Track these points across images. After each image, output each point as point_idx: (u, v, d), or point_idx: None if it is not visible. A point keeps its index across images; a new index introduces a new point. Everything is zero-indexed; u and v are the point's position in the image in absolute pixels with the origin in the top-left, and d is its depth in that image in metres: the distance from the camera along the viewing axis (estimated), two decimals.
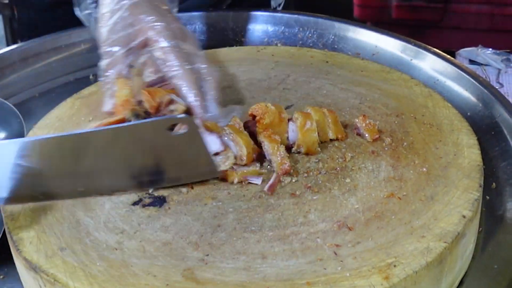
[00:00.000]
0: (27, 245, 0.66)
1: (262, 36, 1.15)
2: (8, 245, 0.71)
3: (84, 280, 0.62)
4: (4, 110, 0.87)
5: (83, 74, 1.10)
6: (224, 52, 1.02)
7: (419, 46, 1.02)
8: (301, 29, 1.13)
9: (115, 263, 0.64)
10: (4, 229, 0.72)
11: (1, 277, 0.74)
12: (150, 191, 0.72)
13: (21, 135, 0.84)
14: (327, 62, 0.97)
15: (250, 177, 0.73)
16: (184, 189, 0.72)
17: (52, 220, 0.69)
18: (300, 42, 1.12)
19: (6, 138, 0.87)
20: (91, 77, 1.09)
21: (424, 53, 1.01)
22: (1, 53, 1.07)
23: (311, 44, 1.11)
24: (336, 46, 1.10)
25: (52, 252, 0.65)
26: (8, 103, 0.87)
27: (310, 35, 1.12)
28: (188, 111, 0.76)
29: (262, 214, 0.69)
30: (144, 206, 0.71)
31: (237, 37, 1.16)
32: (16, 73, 1.07)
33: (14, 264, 0.71)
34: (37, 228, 0.68)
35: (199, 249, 0.65)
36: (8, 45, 1.68)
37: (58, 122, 0.84)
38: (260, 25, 1.15)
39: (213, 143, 0.73)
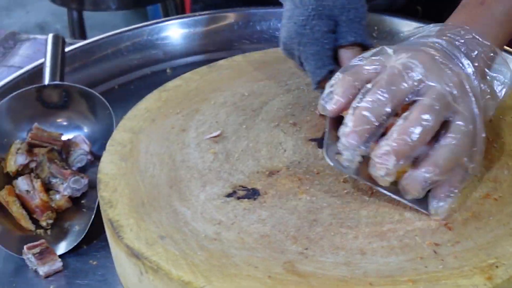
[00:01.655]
0: (128, 232, 0.67)
1: None
2: (100, 232, 0.73)
3: (187, 268, 0.63)
4: (94, 102, 0.89)
5: (159, 68, 1.12)
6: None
7: None
8: None
9: (215, 253, 0.64)
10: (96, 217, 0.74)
11: (94, 263, 0.76)
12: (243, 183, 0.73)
13: (110, 126, 0.85)
14: None
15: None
16: (277, 183, 0.73)
17: (149, 209, 0.70)
18: None
19: (96, 129, 0.89)
20: (168, 70, 1.10)
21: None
22: (81, 45, 1.09)
23: None
24: None
25: (152, 240, 0.66)
26: (99, 95, 0.89)
27: None
28: None
29: (357, 210, 0.69)
30: (238, 198, 0.71)
31: None
32: (96, 65, 1.09)
33: (106, 251, 0.73)
34: (136, 216, 0.69)
35: (298, 243, 0.65)
36: (75, 38, 1.72)
37: (147, 113, 0.85)
38: None
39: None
